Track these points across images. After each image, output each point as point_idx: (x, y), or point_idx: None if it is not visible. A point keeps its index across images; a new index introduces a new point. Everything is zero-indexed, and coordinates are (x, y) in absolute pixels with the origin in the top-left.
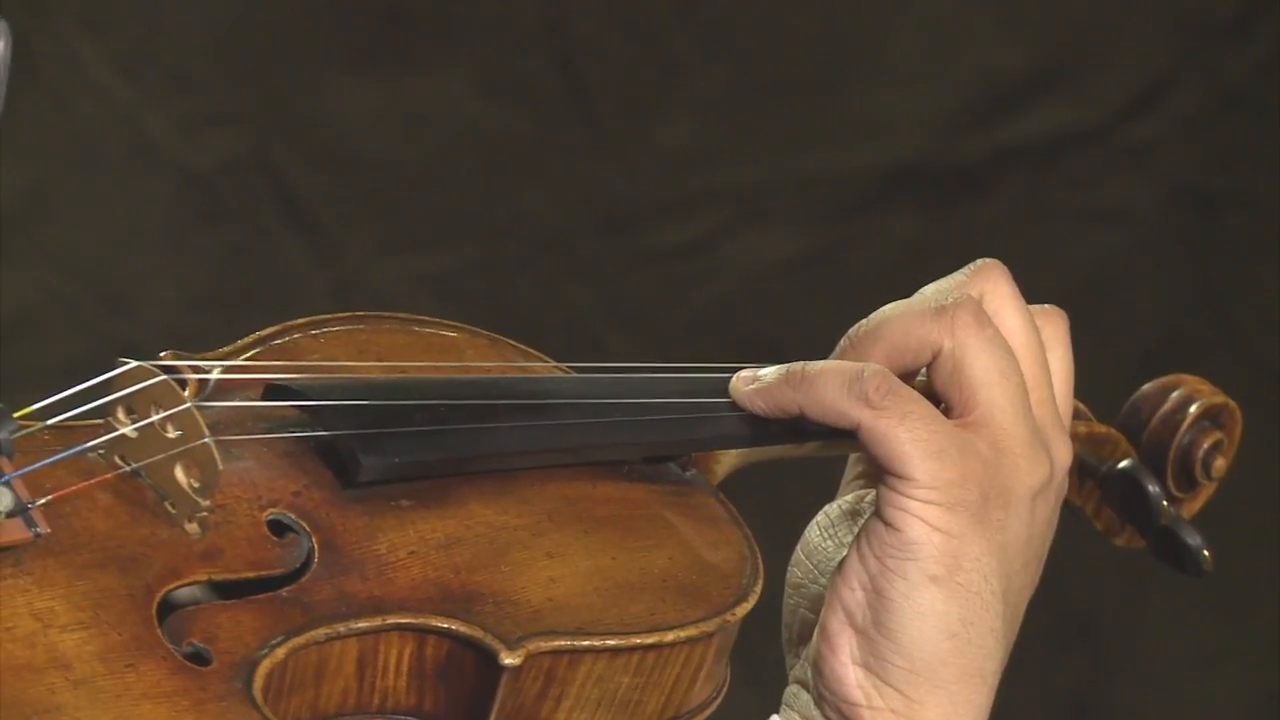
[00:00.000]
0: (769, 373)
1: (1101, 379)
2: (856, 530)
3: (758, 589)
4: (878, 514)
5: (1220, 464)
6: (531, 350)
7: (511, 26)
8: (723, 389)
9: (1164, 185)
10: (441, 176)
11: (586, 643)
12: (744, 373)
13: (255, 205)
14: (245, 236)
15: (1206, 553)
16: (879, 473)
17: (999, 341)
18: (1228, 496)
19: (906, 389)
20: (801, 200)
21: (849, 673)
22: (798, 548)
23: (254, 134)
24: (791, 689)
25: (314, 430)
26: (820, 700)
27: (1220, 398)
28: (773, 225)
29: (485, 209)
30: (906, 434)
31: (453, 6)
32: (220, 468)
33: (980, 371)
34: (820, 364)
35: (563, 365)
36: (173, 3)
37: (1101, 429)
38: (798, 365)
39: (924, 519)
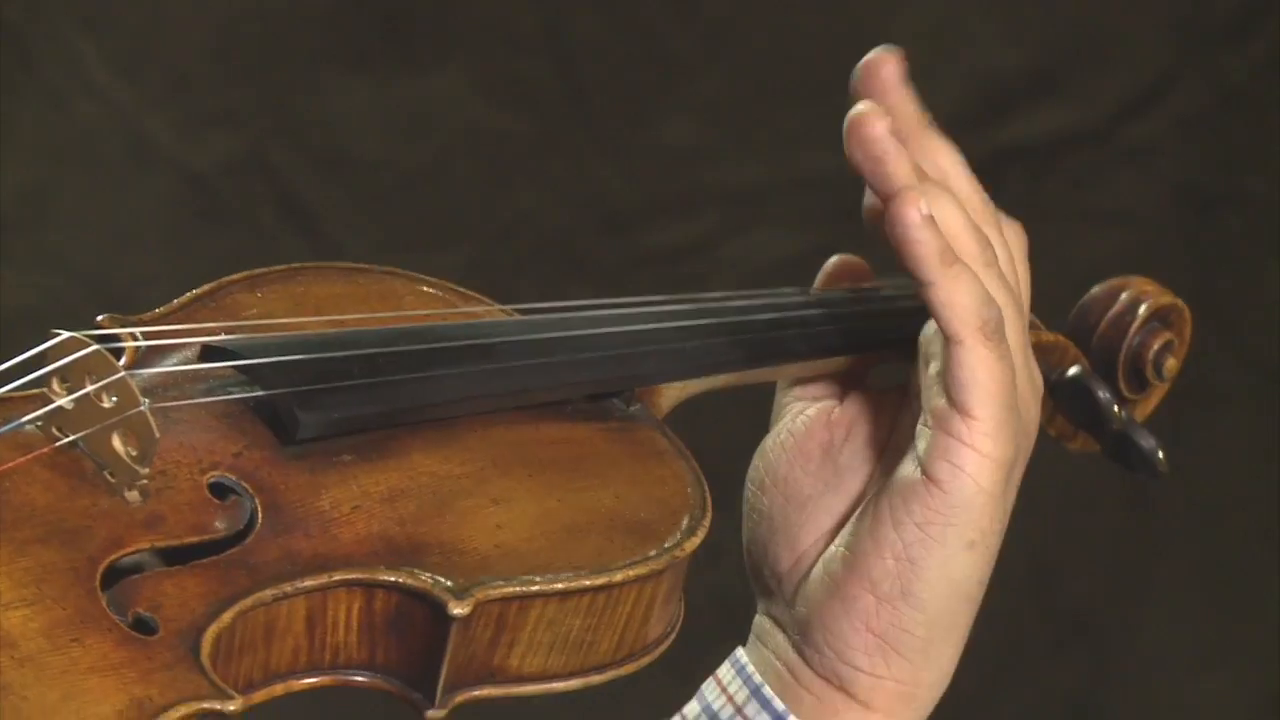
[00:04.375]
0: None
1: None
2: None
3: (706, 522)
4: (924, 470)
5: (1171, 364)
6: (474, 294)
7: (511, 27)
8: (666, 318)
9: (1164, 185)
10: (441, 177)
11: (535, 588)
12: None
13: (255, 205)
14: (245, 237)
15: (1161, 454)
16: (908, 411)
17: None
18: (1227, 496)
19: None
20: (801, 200)
21: (861, 638)
22: (759, 469)
23: (254, 134)
24: (765, 623)
25: (251, 390)
26: (809, 648)
27: (1168, 297)
28: (773, 225)
29: (485, 209)
30: (991, 359)
31: (452, 7)
32: (157, 435)
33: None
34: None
35: (507, 308)
36: (173, 3)
37: (1049, 337)
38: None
39: (976, 478)
